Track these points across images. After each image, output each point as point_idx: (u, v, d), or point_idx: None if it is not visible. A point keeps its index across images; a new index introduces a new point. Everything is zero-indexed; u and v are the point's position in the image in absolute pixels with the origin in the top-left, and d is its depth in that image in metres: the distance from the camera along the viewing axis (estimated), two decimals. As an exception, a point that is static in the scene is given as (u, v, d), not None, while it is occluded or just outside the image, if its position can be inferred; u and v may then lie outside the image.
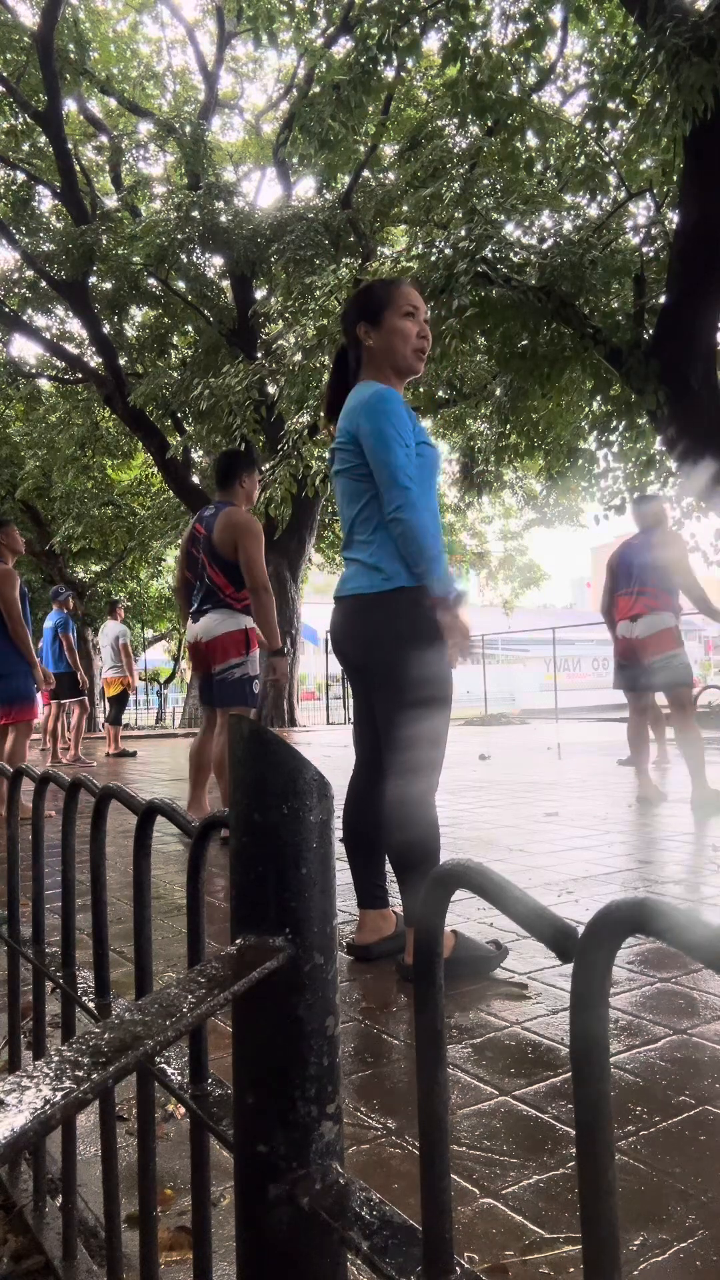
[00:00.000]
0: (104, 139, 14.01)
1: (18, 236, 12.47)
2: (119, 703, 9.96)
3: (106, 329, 13.15)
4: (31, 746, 10.57)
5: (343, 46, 10.23)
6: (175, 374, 12.17)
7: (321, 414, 8.80)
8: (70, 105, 12.88)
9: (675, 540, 5.12)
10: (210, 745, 4.12)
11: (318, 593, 23.48)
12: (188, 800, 4.18)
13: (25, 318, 14.04)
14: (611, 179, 8.47)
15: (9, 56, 11.67)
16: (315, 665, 22.36)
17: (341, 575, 2.30)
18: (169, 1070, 0.76)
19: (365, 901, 2.32)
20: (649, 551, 4.91)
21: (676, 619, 4.88)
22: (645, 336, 7.30)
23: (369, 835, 2.32)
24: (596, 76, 7.62)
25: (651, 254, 8.00)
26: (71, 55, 11.54)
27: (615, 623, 5.32)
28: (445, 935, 2.13)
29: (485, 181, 8.20)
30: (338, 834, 2.20)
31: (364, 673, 2.24)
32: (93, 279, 12.65)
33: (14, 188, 12.77)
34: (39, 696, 5.20)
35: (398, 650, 2.10)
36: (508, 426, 9.77)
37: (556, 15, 8.01)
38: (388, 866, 2.32)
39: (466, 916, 2.57)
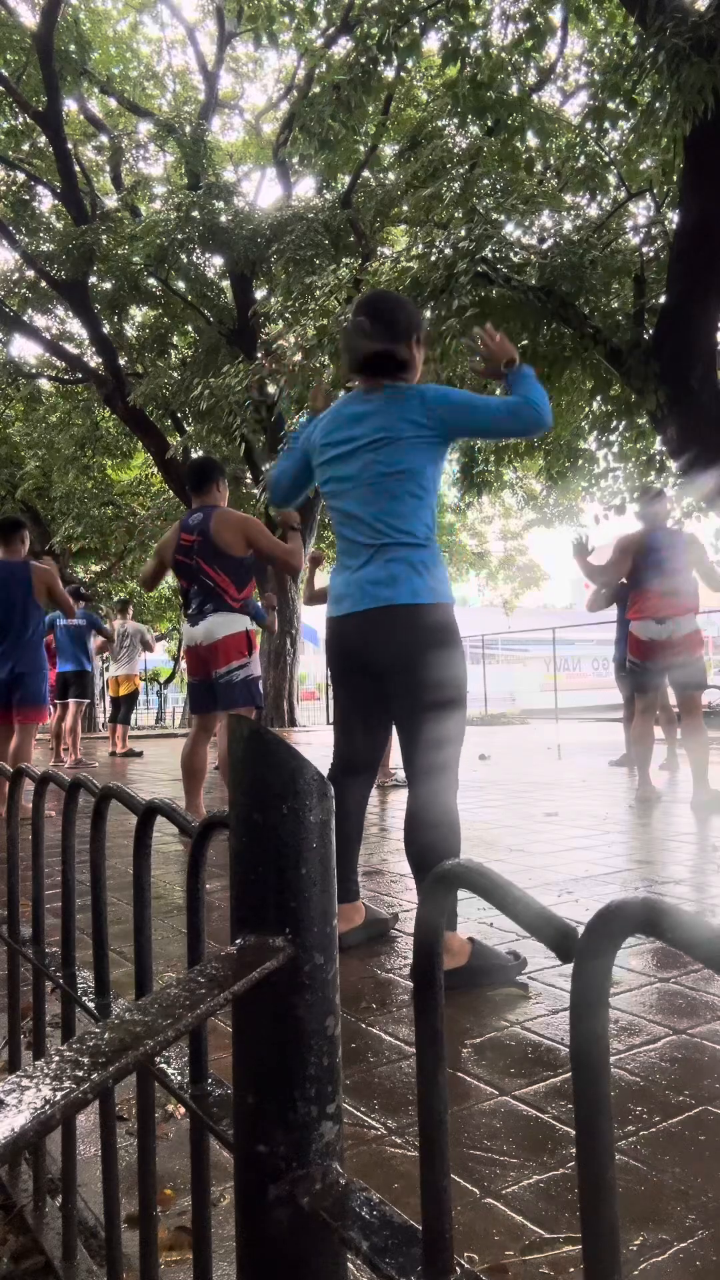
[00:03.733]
0: (104, 139, 14.02)
1: (18, 236, 12.47)
2: (128, 702, 10.00)
3: (106, 329, 13.15)
4: (34, 746, 10.58)
5: (343, 46, 10.22)
6: (175, 374, 12.17)
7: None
8: (70, 105, 12.89)
9: (697, 545, 5.02)
10: (201, 750, 4.12)
11: (317, 593, 23.43)
12: (185, 804, 4.18)
13: (25, 318, 14.04)
14: (611, 179, 8.47)
15: (9, 56, 11.67)
16: (315, 665, 22.36)
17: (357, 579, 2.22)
18: (169, 1070, 0.76)
19: (337, 894, 2.34)
20: (678, 553, 4.84)
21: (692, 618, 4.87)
22: (645, 336, 7.30)
23: (345, 829, 2.37)
24: (596, 76, 7.62)
25: (651, 254, 8.00)
26: (72, 55, 11.54)
27: (596, 600, 5.38)
28: (462, 943, 2.14)
29: (485, 181, 8.19)
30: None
31: (387, 679, 2.22)
32: (93, 279, 12.65)
33: (14, 188, 12.77)
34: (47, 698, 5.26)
35: (426, 657, 2.14)
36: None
37: (556, 15, 8.01)
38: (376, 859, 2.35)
39: (466, 917, 2.57)
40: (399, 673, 2.17)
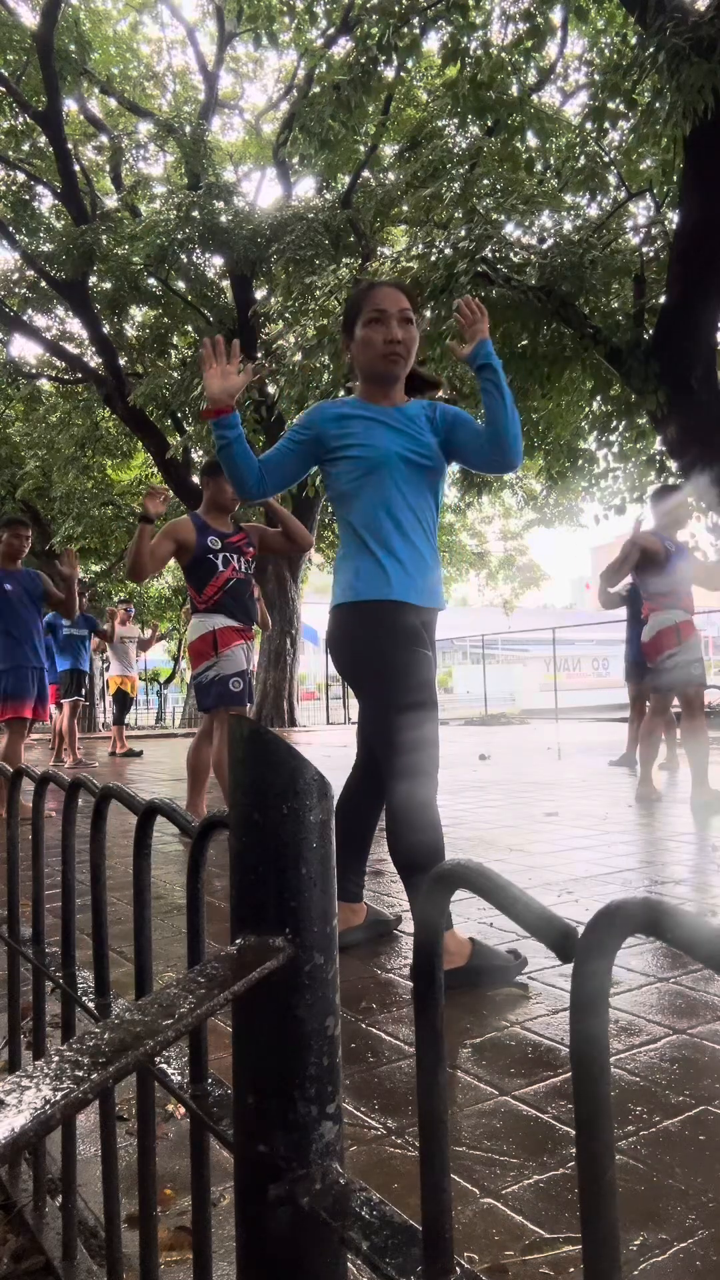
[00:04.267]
0: (104, 139, 14.01)
1: (18, 236, 12.46)
2: (117, 702, 10.06)
3: (106, 329, 13.14)
4: (33, 746, 10.61)
5: (343, 46, 10.22)
6: (175, 374, 12.15)
7: None
8: (70, 105, 12.88)
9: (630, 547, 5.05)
10: (204, 750, 4.18)
11: (317, 593, 23.46)
12: (186, 804, 4.19)
13: (25, 318, 14.03)
14: (611, 179, 8.46)
15: (9, 56, 11.66)
16: (315, 665, 22.36)
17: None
18: (169, 1070, 0.76)
19: (339, 894, 2.36)
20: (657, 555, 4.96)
21: (686, 615, 4.86)
22: (645, 336, 7.30)
23: (356, 831, 2.40)
24: (596, 76, 7.62)
25: (651, 254, 8.00)
26: (72, 55, 11.54)
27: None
28: (463, 943, 2.15)
29: (485, 181, 8.19)
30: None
31: (350, 680, 2.31)
32: (93, 279, 12.64)
33: (14, 188, 12.76)
34: (47, 695, 5.28)
35: (346, 661, 2.22)
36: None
37: (556, 15, 8.01)
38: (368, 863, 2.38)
39: (466, 916, 2.57)
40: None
